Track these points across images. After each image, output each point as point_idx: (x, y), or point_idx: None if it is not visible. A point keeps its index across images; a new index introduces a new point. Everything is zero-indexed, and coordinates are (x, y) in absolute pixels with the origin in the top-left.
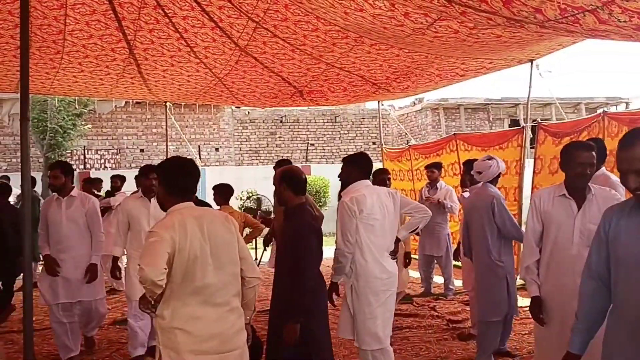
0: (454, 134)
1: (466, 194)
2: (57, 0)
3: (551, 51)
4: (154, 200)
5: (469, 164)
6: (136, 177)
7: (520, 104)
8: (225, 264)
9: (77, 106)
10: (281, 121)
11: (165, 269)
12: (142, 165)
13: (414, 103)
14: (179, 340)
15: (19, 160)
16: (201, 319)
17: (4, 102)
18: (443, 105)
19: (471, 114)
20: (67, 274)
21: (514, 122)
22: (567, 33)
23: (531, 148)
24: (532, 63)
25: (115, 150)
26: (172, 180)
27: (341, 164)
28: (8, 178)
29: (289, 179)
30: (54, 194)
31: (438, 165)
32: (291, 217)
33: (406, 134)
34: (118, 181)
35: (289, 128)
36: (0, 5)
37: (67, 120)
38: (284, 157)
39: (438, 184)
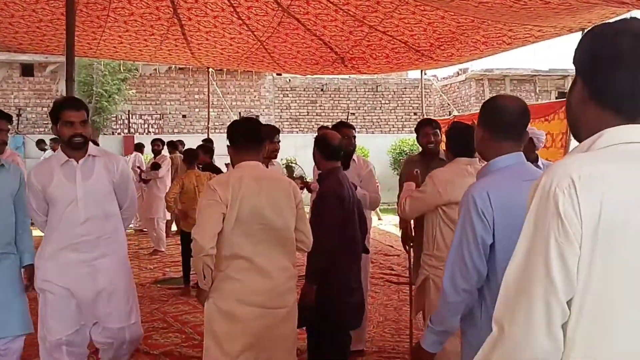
0: None
1: None
2: None
3: (604, 20)
4: (272, 167)
5: None
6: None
7: (569, 76)
8: (279, 227)
9: (122, 70)
10: (322, 89)
11: (215, 235)
12: (183, 130)
13: (458, 73)
14: (227, 287)
15: None
16: (251, 272)
17: (49, 65)
18: (488, 76)
19: (517, 85)
20: None
21: (562, 95)
22: (617, 4)
23: None
24: (583, 32)
25: (159, 116)
26: (236, 137)
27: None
28: (162, 142)
29: (321, 144)
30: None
31: None
32: (320, 182)
33: (449, 104)
34: (160, 144)
35: (330, 97)
36: None
37: (112, 84)
38: (324, 126)
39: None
